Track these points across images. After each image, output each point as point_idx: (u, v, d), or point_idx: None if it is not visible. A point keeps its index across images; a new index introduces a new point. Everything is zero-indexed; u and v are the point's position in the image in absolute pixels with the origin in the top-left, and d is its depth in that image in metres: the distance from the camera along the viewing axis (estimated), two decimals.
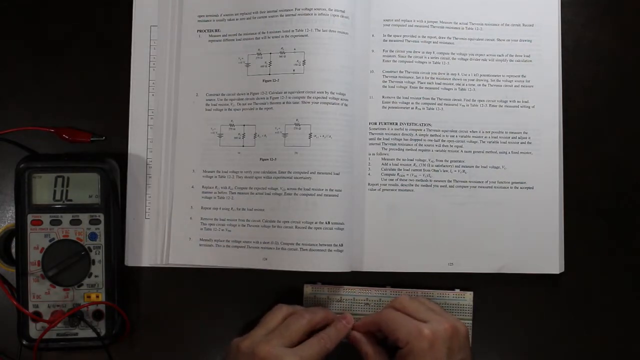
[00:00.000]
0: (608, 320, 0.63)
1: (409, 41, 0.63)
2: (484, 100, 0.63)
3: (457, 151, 0.63)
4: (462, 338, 0.56)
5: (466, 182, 0.63)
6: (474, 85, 0.63)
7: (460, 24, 0.63)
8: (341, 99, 0.61)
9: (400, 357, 0.56)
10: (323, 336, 0.57)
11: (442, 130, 0.63)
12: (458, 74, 0.63)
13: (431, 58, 0.63)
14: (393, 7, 0.63)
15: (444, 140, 0.63)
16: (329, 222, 0.60)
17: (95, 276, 0.61)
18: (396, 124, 0.63)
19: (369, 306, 0.62)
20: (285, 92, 0.61)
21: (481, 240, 0.62)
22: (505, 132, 0.63)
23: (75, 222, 0.61)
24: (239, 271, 0.63)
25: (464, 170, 0.63)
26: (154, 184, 0.64)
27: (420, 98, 0.63)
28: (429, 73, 0.63)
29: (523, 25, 0.64)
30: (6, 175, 0.64)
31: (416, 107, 0.63)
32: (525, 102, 0.63)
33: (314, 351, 0.55)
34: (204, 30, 0.64)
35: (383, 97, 0.63)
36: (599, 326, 0.63)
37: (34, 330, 0.61)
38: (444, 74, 0.63)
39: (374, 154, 0.63)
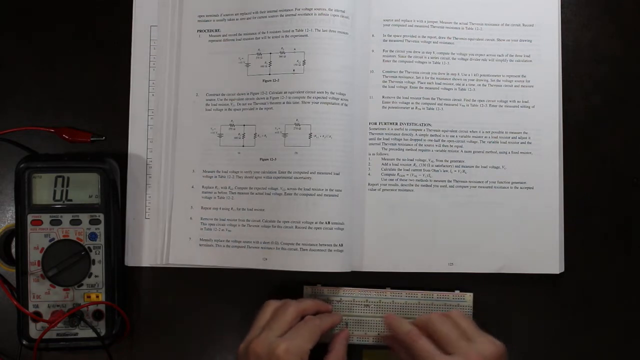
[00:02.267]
0: (608, 320, 0.63)
1: (409, 41, 0.63)
2: (484, 100, 0.63)
3: (457, 151, 0.63)
4: None
5: (466, 182, 0.63)
6: (474, 85, 0.63)
7: (460, 24, 0.63)
8: (341, 99, 0.61)
9: None
10: (312, 318, 0.57)
11: (442, 130, 0.63)
12: (458, 74, 0.63)
13: (431, 58, 0.63)
14: (393, 7, 0.63)
15: (444, 140, 0.63)
16: (329, 222, 0.60)
17: (95, 276, 0.61)
18: (396, 124, 0.63)
19: (369, 308, 0.62)
20: (285, 92, 0.61)
21: (481, 240, 0.62)
22: (505, 132, 0.63)
23: (75, 222, 0.61)
24: (239, 271, 0.63)
25: (464, 170, 0.63)
26: (154, 184, 0.64)
27: (420, 98, 0.63)
28: (429, 73, 0.63)
29: (523, 25, 0.64)
30: (6, 175, 0.64)
31: (416, 107, 0.63)
32: (525, 102, 0.63)
33: (304, 332, 0.55)
34: (204, 30, 0.64)
35: (383, 97, 0.63)
36: (599, 326, 0.63)
37: (34, 330, 0.61)
38: (444, 74, 0.63)
39: (374, 154, 0.63)
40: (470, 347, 0.54)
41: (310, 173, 0.60)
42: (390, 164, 0.63)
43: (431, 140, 0.63)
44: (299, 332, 0.55)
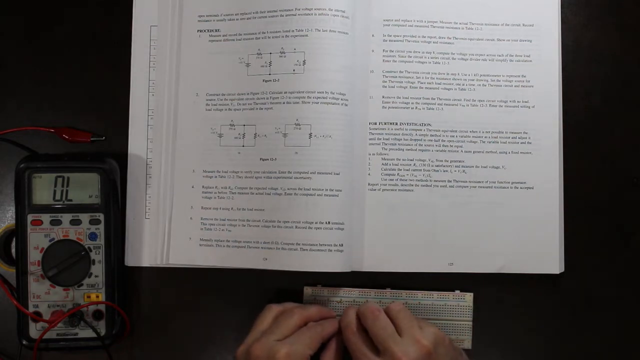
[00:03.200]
0: (608, 320, 0.63)
1: (409, 41, 0.63)
2: (484, 100, 0.63)
3: (457, 151, 0.63)
4: None
5: (466, 182, 0.63)
6: (474, 85, 0.63)
7: (460, 24, 0.63)
8: (341, 99, 0.61)
9: None
10: (314, 324, 0.57)
11: (442, 130, 0.63)
12: (458, 74, 0.63)
13: (431, 58, 0.63)
14: (393, 7, 0.63)
15: (444, 140, 0.63)
16: (329, 222, 0.60)
17: (95, 276, 0.61)
18: (396, 124, 0.63)
19: None
20: (285, 92, 0.61)
21: (481, 240, 0.62)
22: (505, 132, 0.63)
23: (75, 222, 0.61)
24: (239, 271, 0.63)
25: (464, 170, 0.63)
26: (154, 184, 0.64)
27: (420, 98, 0.63)
28: (429, 73, 0.63)
29: (523, 25, 0.64)
30: (6, 175, 0.64)
31: (416, 107, 0.63)
32: (525, 102, 0.63)
33: (305, 338, 0.55)
34: (204, 30, 0.64)
35: (383, 97, 0.63)
36: (599, 326, 0.63)
37: (34, 330, 0.61)
38: (444, 74, 0.63)
39: (374, 154, 0.63)
40: (398, 348, 0.53)
41: (310, 173, 0.60)
42: (390, 164, 0.63)
43: (431, 140, 0.63)
44: (300, 337, 0.55)
